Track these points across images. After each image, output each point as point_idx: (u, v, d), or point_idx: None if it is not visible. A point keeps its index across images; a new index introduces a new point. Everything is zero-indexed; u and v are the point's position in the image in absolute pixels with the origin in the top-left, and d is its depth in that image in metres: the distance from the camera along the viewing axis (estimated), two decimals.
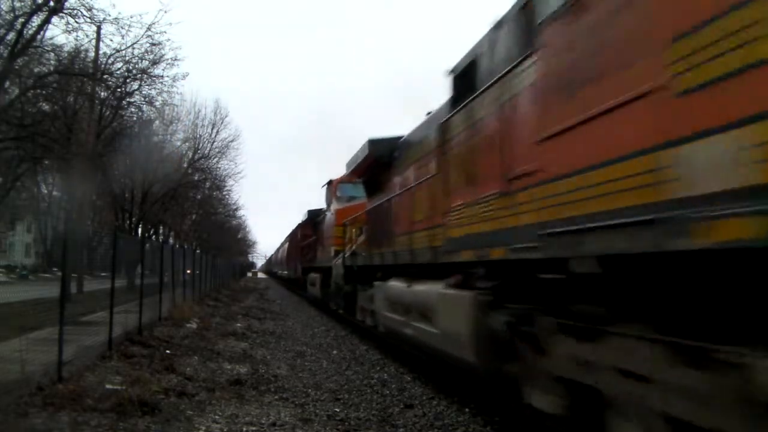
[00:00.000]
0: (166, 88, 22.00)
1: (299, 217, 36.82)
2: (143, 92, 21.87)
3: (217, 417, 6.25)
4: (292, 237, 35.79)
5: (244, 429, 5.91)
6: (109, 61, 20.49)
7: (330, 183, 18.73)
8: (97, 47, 20.20)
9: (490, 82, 5.56)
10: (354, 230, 13.26)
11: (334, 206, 17.34)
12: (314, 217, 23.79)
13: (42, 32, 17.18)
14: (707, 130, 2.67)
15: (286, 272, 41.07)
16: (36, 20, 16.66)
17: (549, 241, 4.15)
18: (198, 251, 31.57)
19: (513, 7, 5.36)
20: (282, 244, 50.41)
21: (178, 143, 34.34)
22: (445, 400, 7.34)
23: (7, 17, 16.51)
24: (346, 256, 13.42)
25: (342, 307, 14.92)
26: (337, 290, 14.99)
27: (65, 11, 16.66)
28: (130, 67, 20.62)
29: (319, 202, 25.89)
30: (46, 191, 47.67)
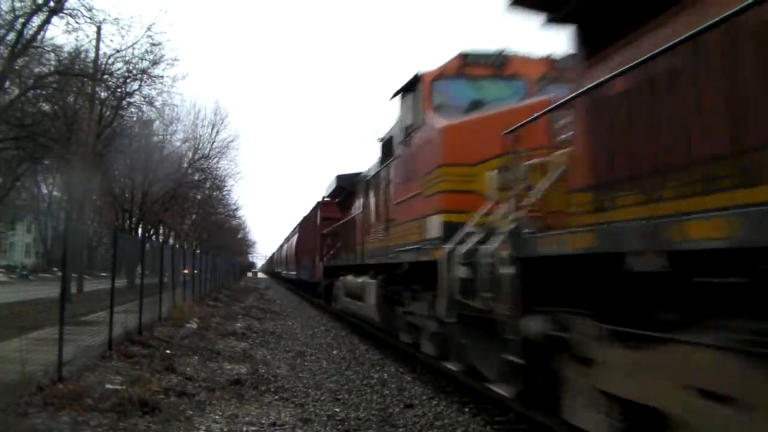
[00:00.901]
0: (166, 89, 22.11)
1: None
2: (143, 92, 21.97)
3: (217, 417, 6.25)
4: (306, 224, 26.09)
5: (244, 429, 5.91)
6: (109, 62, 20.59)
7: (415, 84, 9.19)
8: (97, 47, 20.24)
9: None
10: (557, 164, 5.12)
11: (435, 123, 8.34)
12: (348, 185, 15.20)
13: (42, 32, 17.26)
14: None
15: (294, 273, 30.44)
16: (36, 20, 16.72)
17: None
18: (198, 251, 31.56)
19: None
20: (288, 238, 38.36)
21: (178, 143, 34.44)
22: (445, 400, 7.34)
23: (8, 17, 16.55)
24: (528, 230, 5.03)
25: (519, 387, 5.69)
26: (461, 322, 6.46)
27: (65, 11, 16.74)
28: (130, 68, 20.72)
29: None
30: (46, 191, 47.73)
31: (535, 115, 5.17)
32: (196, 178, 35.18)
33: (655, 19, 3.71)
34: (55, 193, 45.45)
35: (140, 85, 21.52)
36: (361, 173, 14.00)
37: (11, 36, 16.43)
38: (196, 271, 22.09)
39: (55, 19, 16.99)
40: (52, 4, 16.61)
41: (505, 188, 5.64)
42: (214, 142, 35.65)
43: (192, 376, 8.17)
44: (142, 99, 22.53)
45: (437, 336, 8.36)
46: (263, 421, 6.19)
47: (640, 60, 3.51)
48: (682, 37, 3.18)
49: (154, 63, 20.67)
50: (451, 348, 7.87)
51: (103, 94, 22.41)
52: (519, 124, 5.41)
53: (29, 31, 16.65)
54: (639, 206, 3.65)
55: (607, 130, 4.11)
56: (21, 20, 16.37)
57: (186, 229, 43.06)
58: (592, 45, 4.48)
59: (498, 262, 5.26)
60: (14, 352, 6.63)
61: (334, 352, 11.71)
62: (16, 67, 17.28)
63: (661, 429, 3.41)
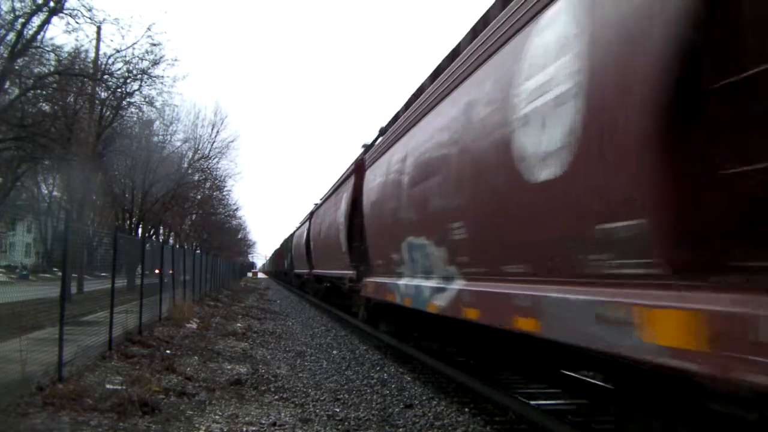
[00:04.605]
0: (166, 89, 22.16)
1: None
2: (143, 92, 21.94)
3: (217, 417, 6.25)
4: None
5: (244, 429, 5.91)
6: (110, 62, 20.56)
7: None
8: (97, 47, 20.25)
9: None
10: None
11: None
12: None
13: (42, 32, 17.24)
14: None
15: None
16: (36, 21, 16.72)
17: None
18: (198, 251, 31.56)
19: None
20: (316, 210, 22.17)
21: (178, 143, 34.40)
22: (445, 400, 7.35)
23: (8, 17, 16.55)
24: None
25: None
26: None
27: (65, 11, 16.73)
28: (131, 68, 20.68)
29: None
30: (46, 191, 47.71)
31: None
32: (196, 178, 35.18)
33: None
34: (55, 193, 45.44)
35: (140, 85, 21.48)
36: None
37: (11, 36, 16.44)
38: (170, 271, 18.47)
39: (55, 19, 17.04)
40: (52, 4, 16.61)
41: None
42: (214, 142, 35.64)
43: (192, 376, 8.18)
44: (143, 99, 22.50)
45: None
46: (263, 421, 6.20)
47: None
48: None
49: (155, 63, 20.63)
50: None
51: (103, 94, 22.40)
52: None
53: (29, 32, 16.67)
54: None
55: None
56: (21, 20, 16.38)
57: (186, 229, 43.05)
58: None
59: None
60: (14, 352, 6.64)
61: (334, 352, 11.72)
62: (16, 67, 17.26)
63: None
